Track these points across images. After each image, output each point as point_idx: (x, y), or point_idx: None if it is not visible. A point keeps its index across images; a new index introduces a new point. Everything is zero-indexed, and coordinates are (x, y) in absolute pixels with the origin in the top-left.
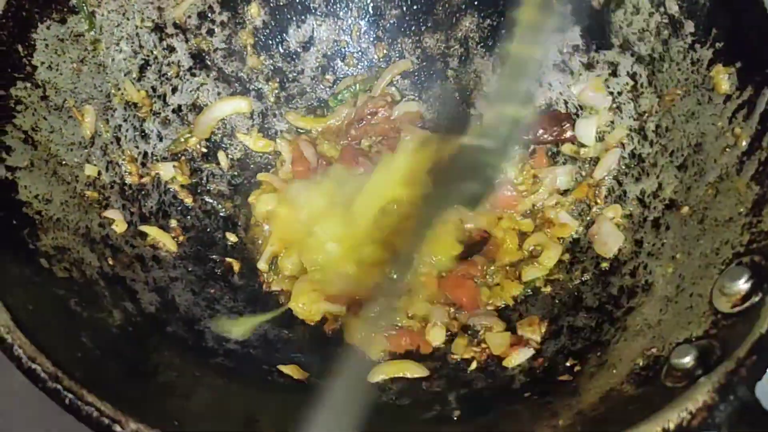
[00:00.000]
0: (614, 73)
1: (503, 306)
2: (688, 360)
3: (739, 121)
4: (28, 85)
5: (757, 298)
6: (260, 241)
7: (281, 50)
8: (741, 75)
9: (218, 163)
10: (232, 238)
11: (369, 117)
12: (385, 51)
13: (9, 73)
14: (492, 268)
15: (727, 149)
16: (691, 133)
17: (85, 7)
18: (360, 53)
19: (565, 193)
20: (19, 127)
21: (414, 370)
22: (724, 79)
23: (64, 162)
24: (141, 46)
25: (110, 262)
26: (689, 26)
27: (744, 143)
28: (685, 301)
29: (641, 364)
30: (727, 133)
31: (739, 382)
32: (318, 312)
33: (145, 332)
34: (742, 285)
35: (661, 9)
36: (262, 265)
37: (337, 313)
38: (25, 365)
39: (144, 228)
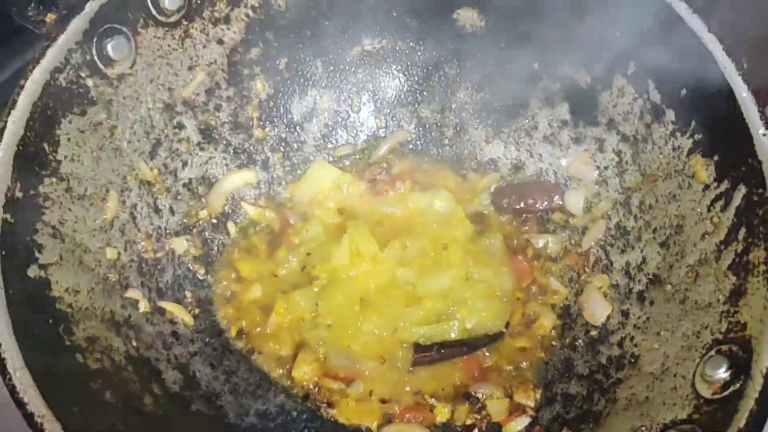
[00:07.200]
0: (601, 149)
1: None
2: None
3: (717, 210)
4: (54, 180)
5: (735, 388)
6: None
7: (285, 121)
8: (718, 168)
9: (228, 233)
10: None
11: (369, 185)
12: (383, 121)
13: (37, 172)
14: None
15: (707, 235)
16: (673, 214)
17: (103, 97)
18: (360, 123)
19: (555, 260)
20: (47, 222)
21: None
22: (702, 168)
23: (88, 249)
24: (153, 126)
25: (134, 344)
26: (670, 115)
27: (722, 233)
28: (670, 381)
29: None
30: (705, 220)
31: None
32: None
33: (172, 414)
34: (722, 374)
35: (645, 95)
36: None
37: (336, 389)
38: None
39: (162, 303)
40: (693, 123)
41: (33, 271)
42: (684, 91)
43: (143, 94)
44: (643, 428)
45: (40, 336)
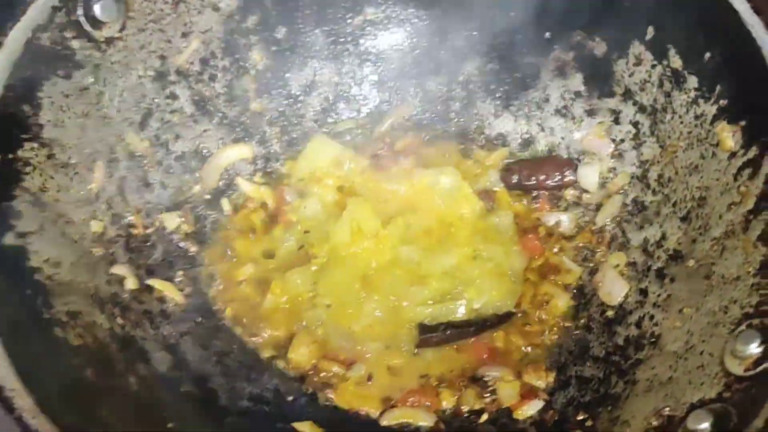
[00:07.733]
0: (616, 121)
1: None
2: (705, 426)
3: (744, 179)
4: (35, 145)
5: None
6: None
7: (283, 94)
8: (746, 133)
9: (222, 210)
10: None
11: (371, 161)
12: (387, 94)
13: (16, 135)
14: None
15: (733, 206)
16: (695, 186)
17: (89, 61)
18: (362, 97)
19: (569, 238)
20: (27, 189)
21: (422, 418)
22: (728, 136)
23: (71, 221)
24: (144, 95)
25: (120, 322)
26: (693, 81)
27: (750, 202)
28: (696, 360)
29: (655, 424)
30: (732, 189)
31: None
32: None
33: (159, 395)
34: (755, 349)
35: (664, 62)
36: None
37: (336, 372)
38: None
39: (150, 281)
40: (718, 88)
41: (9, 239)
42: (708, 55)
43: (133, 60)
44: (667, 409)
45: (16, 307)
